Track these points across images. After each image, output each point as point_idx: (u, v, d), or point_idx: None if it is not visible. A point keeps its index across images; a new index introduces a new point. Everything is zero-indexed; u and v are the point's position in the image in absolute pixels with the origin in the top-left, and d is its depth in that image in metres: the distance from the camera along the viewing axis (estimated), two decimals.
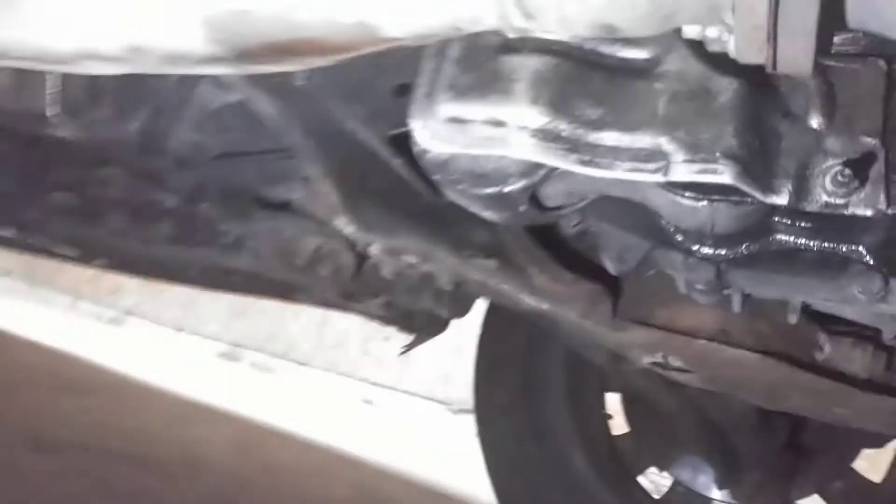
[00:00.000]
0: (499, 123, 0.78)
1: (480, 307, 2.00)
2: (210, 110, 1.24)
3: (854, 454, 1.91)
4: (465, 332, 2.13)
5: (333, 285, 1.59)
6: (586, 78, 0.76)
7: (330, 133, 1.03)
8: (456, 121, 0.79)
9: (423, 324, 1.90)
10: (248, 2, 0.64)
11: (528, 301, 1.58)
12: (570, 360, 1.97)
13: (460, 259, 1.46)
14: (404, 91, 0.85)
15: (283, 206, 1.39)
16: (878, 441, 1.88)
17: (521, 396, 1.97)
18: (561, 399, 1.99)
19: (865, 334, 1.44)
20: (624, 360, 1.70)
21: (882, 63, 0.74)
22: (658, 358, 1.64)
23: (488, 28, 0.64)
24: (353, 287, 1.63)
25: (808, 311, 1.40)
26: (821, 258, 1.06)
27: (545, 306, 1.57)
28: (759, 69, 0.68)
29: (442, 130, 0.80)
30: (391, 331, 2.09)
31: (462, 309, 1.87)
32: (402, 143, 0.88)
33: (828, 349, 1.55)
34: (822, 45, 0.57)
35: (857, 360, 1.57)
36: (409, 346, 2.15)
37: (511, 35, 0.64)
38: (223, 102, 1.16)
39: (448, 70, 0.80)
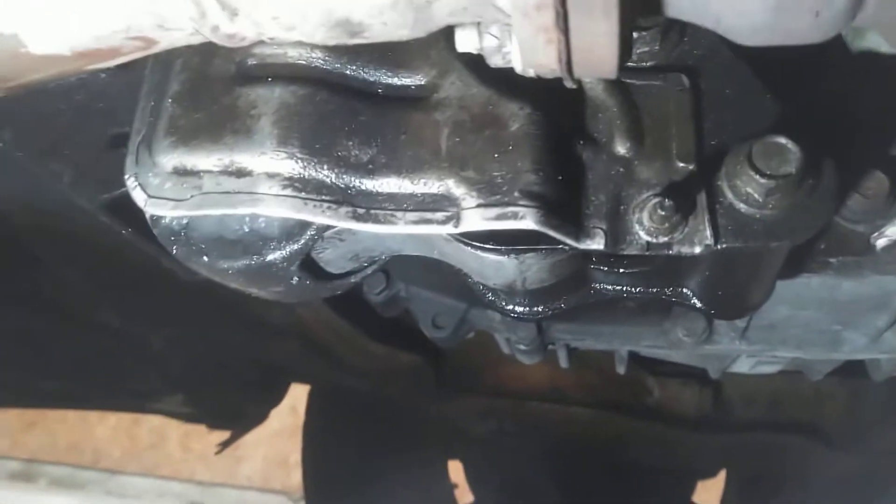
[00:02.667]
0: (241, 173, 0.57)
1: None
2: None
3: None
4: (300, 410, 1.90)
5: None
6: (350, 110, 0.58)
7: (53, 204, 0.76)
8: (183, 173, 0.57)
9: (234, 417, 1.62)
10: None
11: (344, 381, 1.36)
12: (406, 432, 1.76)
13: (255, 343, 1.22)
14: (121, 141, 0.62)
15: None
16: None
17: (355, 480, 1.72)
18: (401, 472, 1.76)
19: (692, 373, 1.37)
20: (461, 430, 1.51)
21: (685, 78, 0.62)
22: (493, 425, 1.48)
23: (186, 35, 0.43)
24: (145, 384, 1.32)
25: (636, 358, 1.32)
26: (644, 304, 0.94)
27: (363, 385, 1.36)
28: (551, 88, 0.52)
29: (166, 187, 0.57)
30: None
31: (275, 396, 1.60)
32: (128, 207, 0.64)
33: (657, 393, 1.48)
34: (625, 40, 0.41)
35: (686, 399, 1.51)
36: (228, 442, 1.85)
37: (217, 41, 0.43)
38: None
39: (169, 108, 0.58)
